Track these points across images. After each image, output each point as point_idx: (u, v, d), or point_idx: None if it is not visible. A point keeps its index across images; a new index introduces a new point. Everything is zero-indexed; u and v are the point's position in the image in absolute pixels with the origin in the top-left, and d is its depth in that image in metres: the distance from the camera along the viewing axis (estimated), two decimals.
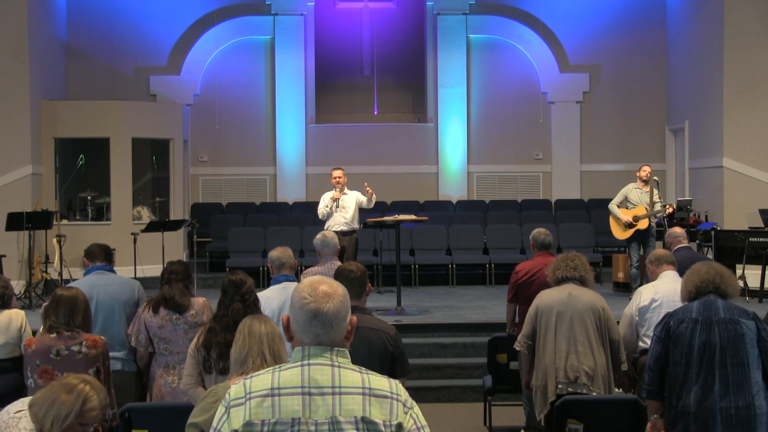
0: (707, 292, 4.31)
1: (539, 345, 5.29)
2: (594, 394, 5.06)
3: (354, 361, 2.44)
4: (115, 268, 5.92)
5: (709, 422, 4.14)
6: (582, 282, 5.32)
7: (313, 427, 2.31)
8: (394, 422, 2.34)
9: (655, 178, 10.56)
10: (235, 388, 2.39)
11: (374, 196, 9.75)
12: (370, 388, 2.35)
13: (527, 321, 5.39)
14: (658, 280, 5.68)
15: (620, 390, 5.52)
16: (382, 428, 2.32)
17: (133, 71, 14.31)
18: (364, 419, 2.32)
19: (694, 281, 4.36)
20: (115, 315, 5.53)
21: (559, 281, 5.36)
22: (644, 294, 5.59)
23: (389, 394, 2.36)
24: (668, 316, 4.38)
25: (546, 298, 5.32)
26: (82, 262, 6.19)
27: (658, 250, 6.25)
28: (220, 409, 2.39)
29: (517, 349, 5.50)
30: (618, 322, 5.49)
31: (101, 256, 5.72)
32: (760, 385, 4.17)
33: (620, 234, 10.42)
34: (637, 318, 5.57)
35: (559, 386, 5.13)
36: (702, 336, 4.19)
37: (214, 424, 2.38)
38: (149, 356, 5.36)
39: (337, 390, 2.33)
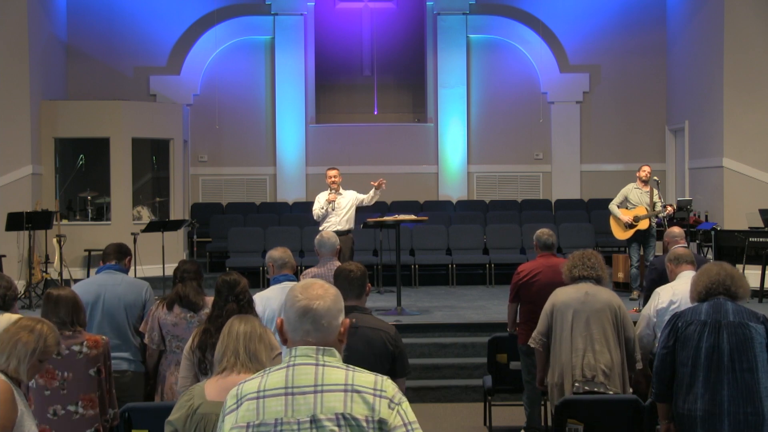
0: (717, 293, 4.24)
1: (555, 343, 5.27)
2: (611, 392, 5.04)
3: (354, 361, 2.45)
4: None
5: (717, 427, 4.09)
6: (598, 281, 5.30)
7: (295, 426, 2.33)
8: (377, 418, 2.33)
9: (655, 178, 10.56)
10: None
11: (377, 192, 9.66)
12: (352, 385, 2.35)
13: (542, 318, 5.37)
14: (676, 281, 5.53)
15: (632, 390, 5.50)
16: (364, 424, 2.32)
17: (133, 71, 14.31)
18: (344, 416, 2.32)
19: (704, 282, 4.29)
20: (121, 315, 5.52)
21: (576, 279, 5.32)
22: (662, 295, 5.45)
23: (372, 391, 2.36)
24: (676, 316, 4.31)
25: (562, 296, 5.29)
26: (84, 261, 6.17)
27: (678, 249, 6.02)
28: (220, 420, 2.44)
29: (532, 346, 5.47)
30: (635, 323, 5.45)
31: (112, 256, 5.72)
32: None
33: (620, 234, 10.41)
34: (655, 320, 5.44)
35: (576, 384, 5.11)
36: (710, 339, 4.13)
37: None
38: (159, 355, 5.35)
39: (319, 388, 2.35)
